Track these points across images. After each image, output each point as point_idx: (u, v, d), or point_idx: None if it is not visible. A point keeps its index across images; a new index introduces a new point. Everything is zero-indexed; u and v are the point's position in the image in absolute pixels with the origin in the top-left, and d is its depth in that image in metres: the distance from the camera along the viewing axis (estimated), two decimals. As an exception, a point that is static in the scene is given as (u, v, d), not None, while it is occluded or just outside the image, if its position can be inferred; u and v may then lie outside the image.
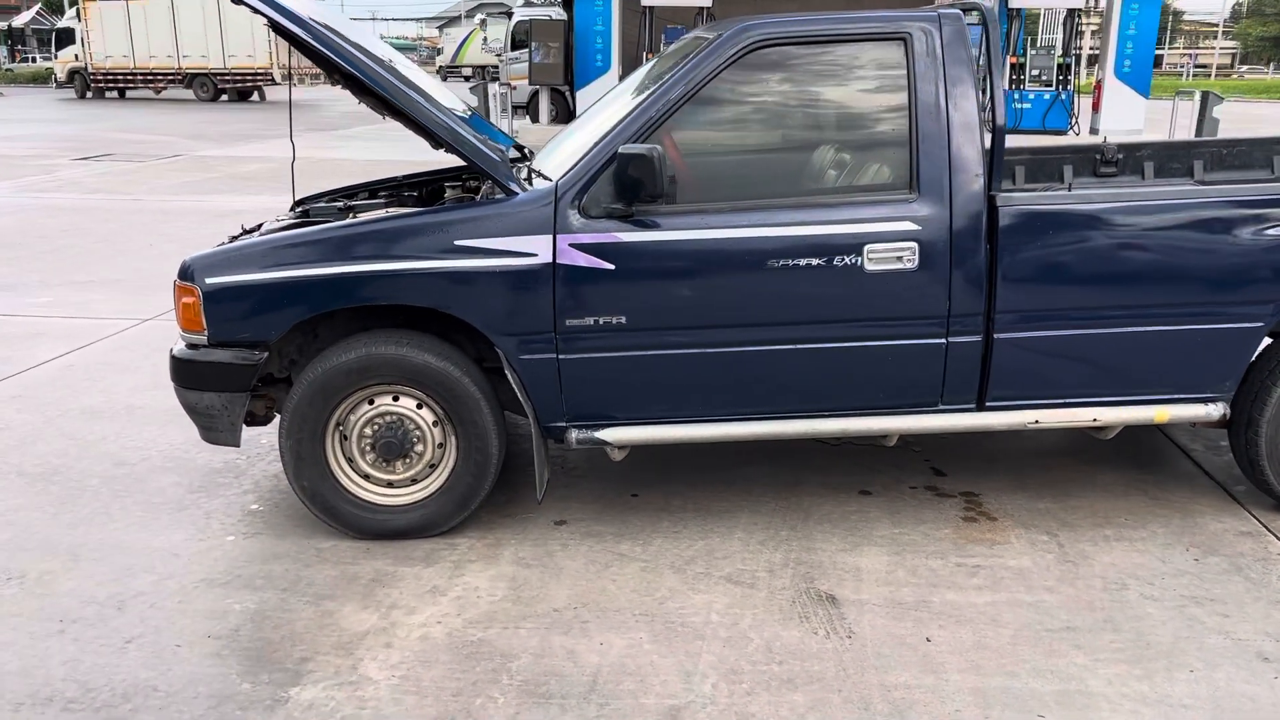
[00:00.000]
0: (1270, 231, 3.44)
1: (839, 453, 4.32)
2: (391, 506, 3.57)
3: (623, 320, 3.40)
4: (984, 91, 3.58)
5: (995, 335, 3.49)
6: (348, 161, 15.38)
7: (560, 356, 3.43)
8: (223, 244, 3.90)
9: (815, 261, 3.38)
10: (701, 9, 19.60)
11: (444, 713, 2.66)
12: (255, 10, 3.30)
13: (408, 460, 3.53)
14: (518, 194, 3.41)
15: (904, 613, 3.14)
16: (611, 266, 3.35)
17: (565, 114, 21.51)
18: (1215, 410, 3.61)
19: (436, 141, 3.53)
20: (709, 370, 3.47)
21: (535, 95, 21.37)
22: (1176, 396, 3.61)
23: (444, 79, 65.86)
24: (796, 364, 3.48)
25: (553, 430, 3.54)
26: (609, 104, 4.20)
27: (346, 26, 3.71)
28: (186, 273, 3.40)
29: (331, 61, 3.39)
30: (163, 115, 25.65)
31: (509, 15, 25.88)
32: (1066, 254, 3.46)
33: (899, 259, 3.39)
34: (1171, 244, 3.46)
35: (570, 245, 3.35)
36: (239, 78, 31.10)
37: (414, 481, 3.58)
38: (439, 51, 69.85)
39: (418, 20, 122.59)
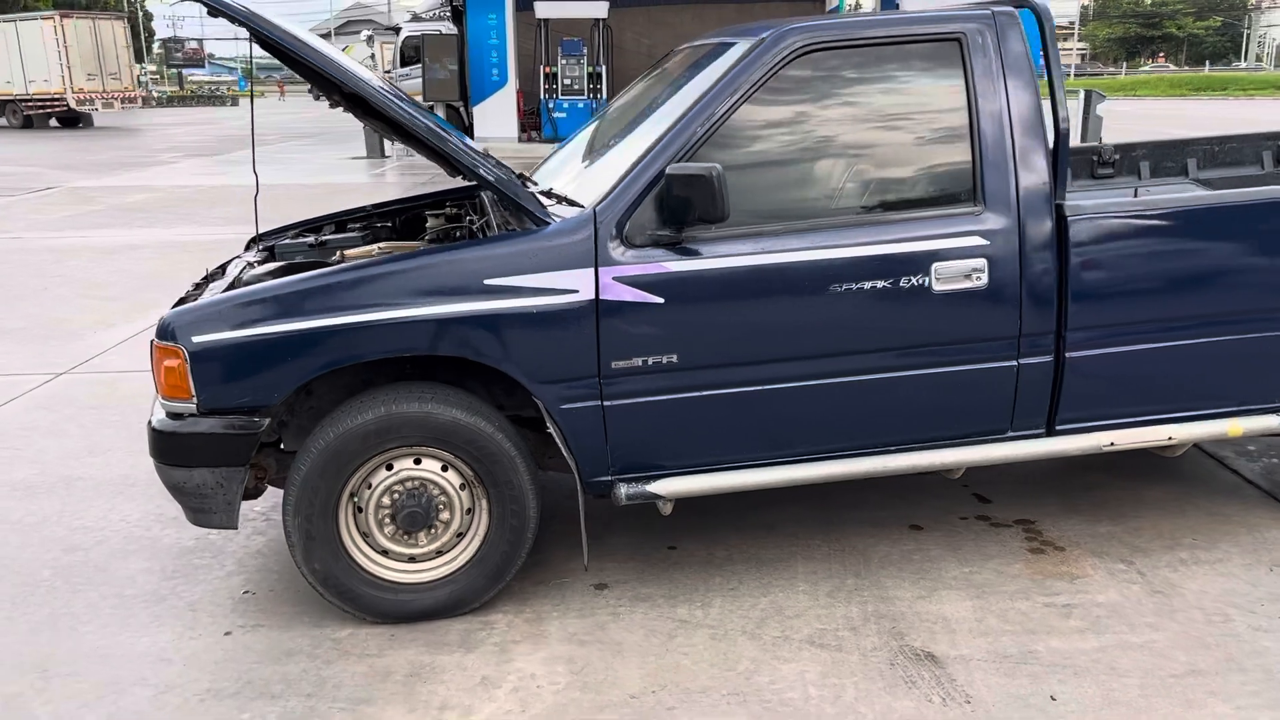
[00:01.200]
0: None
1: (873, 485, 4.02)
2: (416, 584, 3.13)
3: (674, 359, 3.04)
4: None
5: (1066, 354, 3.24)
6: (240, 188, 14.56)
7: (606, 403, 3.05)
8: (192, 293, 3.41)
9: (880, 284, 3.08)
10: (597, 20, 19.33)
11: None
12: (255, 32, 2.84)
13: (432, 531, 3.10)
14: (549, 224, 3.02)
15: (1014, 667, 2.85)
16: (660, 300, 2.99)
17: (461, 130, 20.93)
18: (1282, 421, 3.43)
19: (454, 169, 3.12)
20: (767, 409, 3.14)
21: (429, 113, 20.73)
22: (1249, 408, 3.42)
23: (317, 98, 64.04)
24: (860, 397, 3.18)
25: (595, 486, 3.15)
26: (614, 122, 3.85)
27: (327, 45, 3.28)
28: (167, 331, 2.90)
29: (339, 84, 2.96)
30: (14, 146, 24.07)
31: (396, 31, 25.11)
32: (1138, 263, 3.24)
33: (968, 277, 3.11)
34: (1247, 247, 3.27)
35: (614, 279, 2.97)
36: (41, 104, 29.59)
37: (439, 554, 3.15)
38: (310, 70, 67.99)
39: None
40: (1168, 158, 4.92)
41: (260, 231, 4.27)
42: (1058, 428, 3.34)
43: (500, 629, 3.10)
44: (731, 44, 3.35)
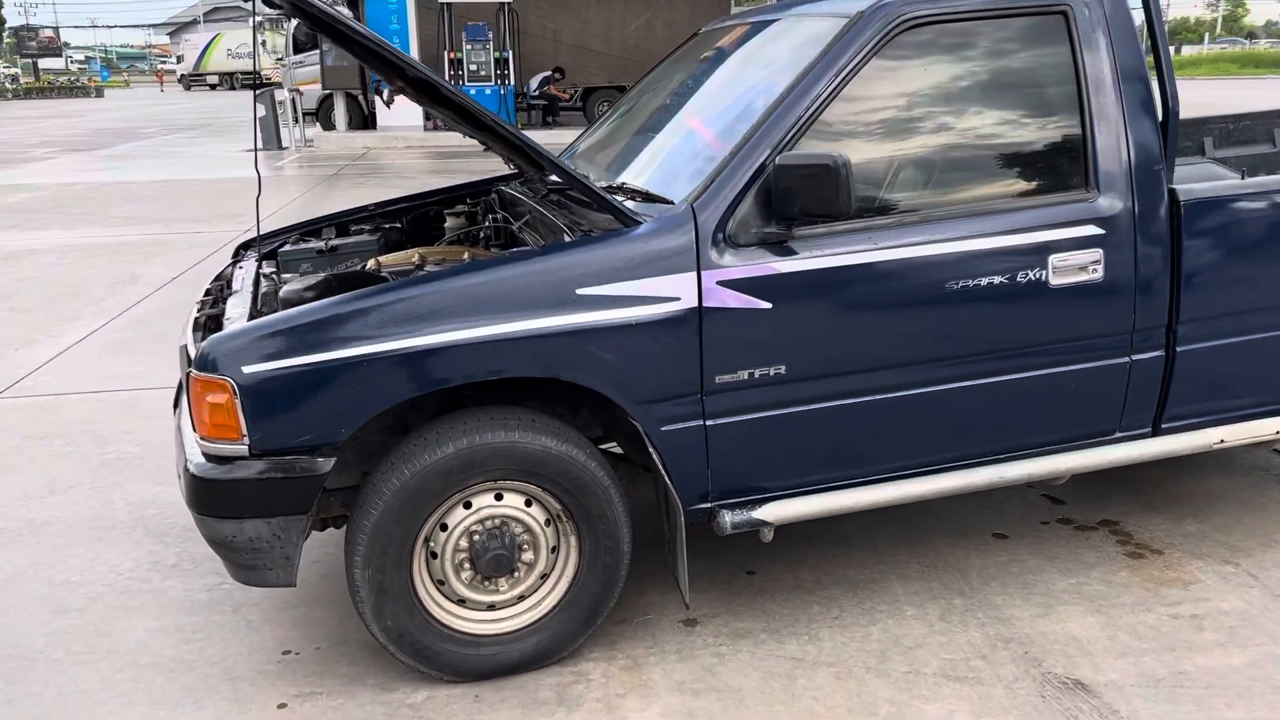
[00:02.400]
0: None
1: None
2: (498, 635, 2.75)
3: (782, 370, 2.73)
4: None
5: (1177, 349, 3.05)
6: (137, 185, 13.65)
7: (708, 423, 2.73)
8: (205, 315, 2.96)
9: (997, 279, 2.82)
10: (502, 5, 18.81)
11: None
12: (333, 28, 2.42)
13: (514, 574, 2.73)
14: (639, 224, 2.67)
15: (1172, 692, 2.63)
16: (768, 305, 2.67)
17: (361, 120, 20.20)
18: (1386, 410, 3.31)
19: (530, 161, 2.73)
20: (878, 420, 2.86)
21: (326, 100, 19.92)
22: (1350, 396, 3.28)
23: (187, 88, 61.31)
24: (973, 402, 2.92)
25: (693, 515, 2.82)
26: (656, 108, 3.51)
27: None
28: (209, 362, 2.46)
29: (403, 70, 2.55)
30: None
31: (284, 20, 23.99)
32: (1249, 249, 3.07)
33: (1085, 269, 2.88)
34: (1359, 232, 3.12)
35: (719, 283, 2.64)
36: None
37: (521, 599, 2.78)
38: (179, 59, 65.17)
39: (145, 27, 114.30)
40: (1185, 137, 4.81)
41: (252, 237, 3.80)
42: (1164, 426, 3.15)
43: (597, 681, 2.75)
44: (797, 20, 3.06)
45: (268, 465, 2.48)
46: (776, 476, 2.84)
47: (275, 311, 2.86)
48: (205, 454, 2.53)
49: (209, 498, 2.52)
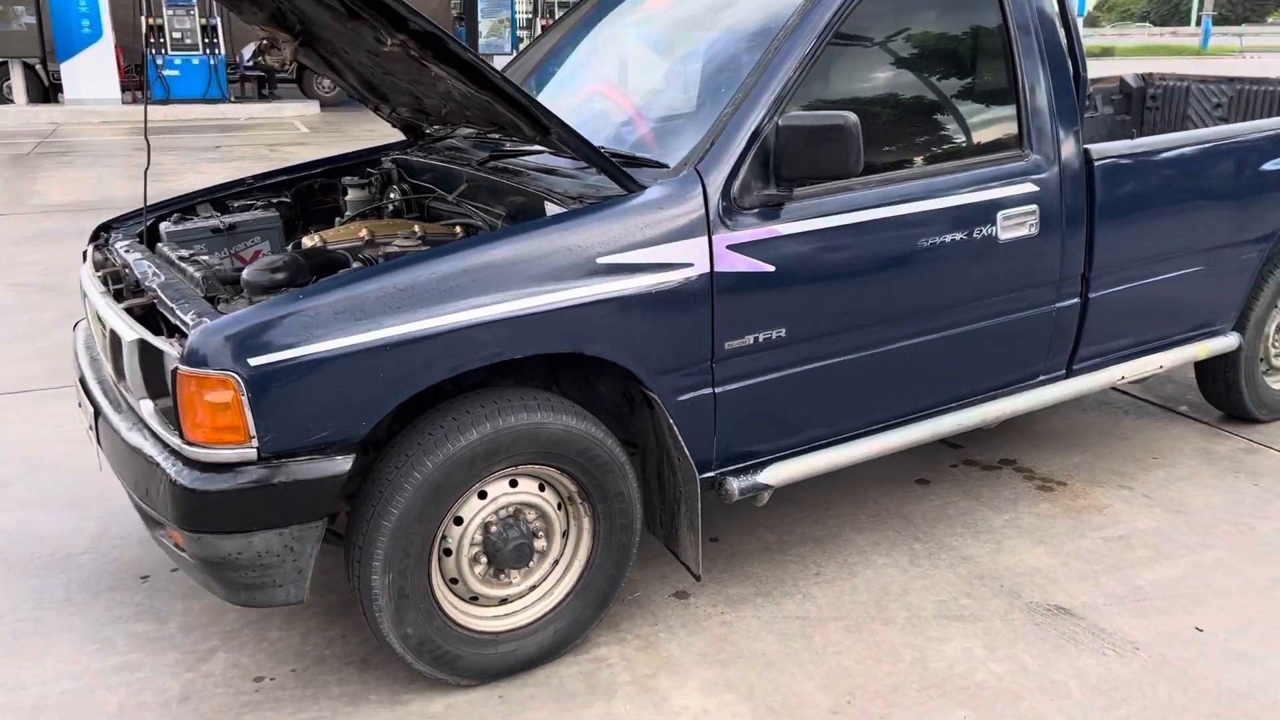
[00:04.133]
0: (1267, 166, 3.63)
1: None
2: (514, 630, 2.59)
3: (783, 332, 2.73)
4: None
5: (1089, 295, 3.33)
6: None
7: (717, 390, 2.68)
8: (138, 305, 2.58)
9: (958, 236, 2.96)
10: (203, -33, 17.38)
11: None
12: None
13: (528, 564, 2.57)
14: (644, 188, 2.57)
15: (1139, 606, 2.89)
16: (772, 268, 2.66)
17: (41, 93, 18.07)
18: (1232, 340, 3.77)
19: (533, 122, 2.54)
20: (861, 377, 2.92)
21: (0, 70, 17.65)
22: (1207, 331, 3.72)
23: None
24: (939, 354, 3.05)
25: (701, 484, 2.77)
26: (596, 63, 3.39)
27: None
28: (202, 356, 2.13)
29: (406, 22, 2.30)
30: None
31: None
32: (1148, 203, 3.38)
33: (1024, 224, 3.08)
34: (1227, 180, 3.52)
35: (728, 247, 2.60)
36: None
37: (533, 590, 2.63)
38: None
39: None
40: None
41: (113, 218, 3.33)
42: (1075, 368, 3.43)
43: (619, 665, 2.65)
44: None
45: (279, 469, 2.19)
46: (769, 439, 2.84)
47: (234, 297, 2.55)
48: (198, 462, 2.19)
49: (207, 512, 2.19)
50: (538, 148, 2.93)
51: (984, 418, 3.21)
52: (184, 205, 3.39)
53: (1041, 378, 3.36)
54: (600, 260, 2.44)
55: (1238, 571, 3.07)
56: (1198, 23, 47.29)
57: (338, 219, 3.40)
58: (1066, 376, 3.43)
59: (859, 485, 3.61)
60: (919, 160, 2.98)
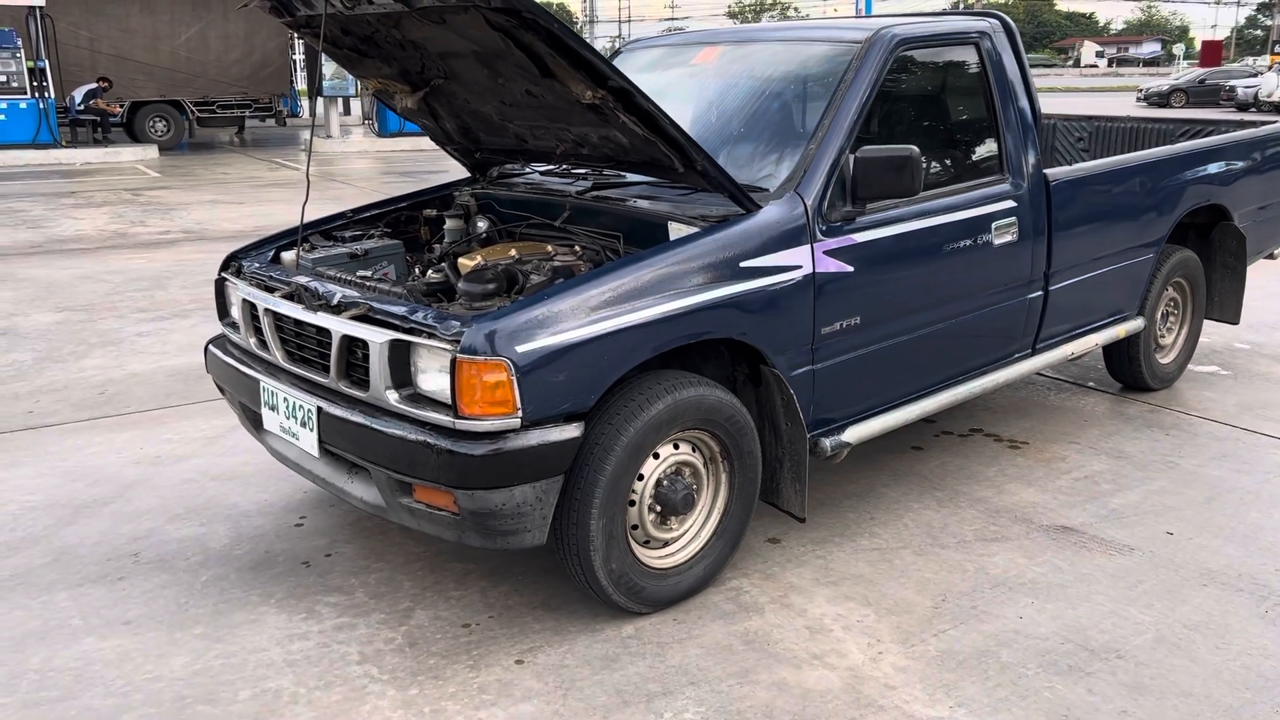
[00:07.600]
0: (1165, 183, 4.65)
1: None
2: (676, 567, 3.18)
3: (857, 320, 3.45)
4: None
5: (1050, 288, 4.21)
6: None
7: (815, 366, 3.38)
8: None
9: (969, 241, 3.77)
10: (33, 8, 16.90)
11: None
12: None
13: (688, 512, 3.18)
14: (760, 208, 3.25)
15: (1123, 520, 3.74)
16: (851, 269, 3.39)
17: None
18: (1140, 323, 4.76)
19: (669, 143, 3.14)
20: (909, 354, 3.68)
21: None
22: (1123, 316, 4.69)
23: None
24: (959, 333, 3.85)
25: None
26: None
27: None
28: (481, 347, 2.66)
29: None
30: None
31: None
32: (1091, 213, 4.30)
33: (1009, 232, 3.93)
34: (1135, 196, 4.50)
35: (824, 253, 3.31)
36: None
37: (684, 533, 3.23)
38: None
39: None
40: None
41: (239, 249, 3.74)
42: (1038, 347, 4.31)
43: (754, 591, 3.28)
44: (802, 45, 3.80)
45: (538, 434, 2.74)
46: (844, 406, 3.55)
47: (450, 302, 3.07)
48: (471, 432, 2.71)
49: (482, 471, 2.71)
50: (635, 177, 3.57)
51: (985, 386, 4.03)
52: (290, 241, 3.80)
53: (1016, 355, 4.22)
54: (743, 264, 3.10)
55: (1179, 494, 3.98)
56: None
57: (436, 244, 3.91)
58: (1033, 354, 4.30)
59: (869, 455, 4.35)
60: (939, 183, 3.78)
